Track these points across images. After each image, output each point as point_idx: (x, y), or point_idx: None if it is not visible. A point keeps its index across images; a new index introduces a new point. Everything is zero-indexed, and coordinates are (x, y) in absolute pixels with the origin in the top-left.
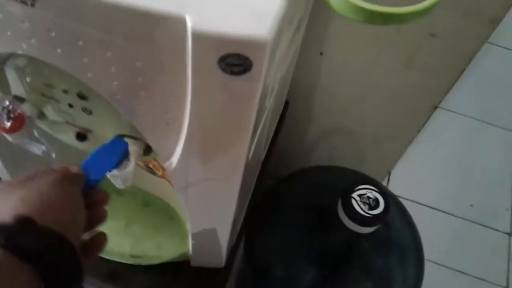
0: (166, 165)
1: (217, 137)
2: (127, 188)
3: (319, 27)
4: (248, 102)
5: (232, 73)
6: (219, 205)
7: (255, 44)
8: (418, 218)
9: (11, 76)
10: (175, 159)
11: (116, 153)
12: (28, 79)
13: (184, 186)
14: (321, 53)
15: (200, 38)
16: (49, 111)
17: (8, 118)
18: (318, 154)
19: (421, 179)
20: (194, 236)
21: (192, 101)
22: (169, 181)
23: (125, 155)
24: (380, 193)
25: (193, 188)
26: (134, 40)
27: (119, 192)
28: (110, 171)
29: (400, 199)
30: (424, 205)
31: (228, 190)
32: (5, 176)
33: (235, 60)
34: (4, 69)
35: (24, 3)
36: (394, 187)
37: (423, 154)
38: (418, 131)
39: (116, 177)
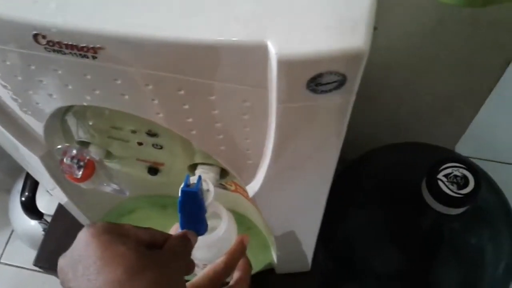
0: (248, 188)
1: (304, 154)
2: None
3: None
4: (340, 116)
5: (323, 92)
6: (305, 218)
7: (351, 59)
8: (499, 178)
9: (73, 122)
10: (257, 182)
11: (197, 202)
12: (91, 122)
13: (269, 206)
14: (375, 28)
15: (286, 63)
16: (117, 149)
17: (79, 168)
18: (385, 133)
19: (497, 136)
20: (279, 247)
21: (277, 125)
22: (242, 195)
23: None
24: (468, 169)
25: (278, 206)
26: (207, 76)
27: None
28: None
29: (476, 160)
30: (504, 162)
31: (315, 200)
32: (82, 218)
33: (327, 79)
34: (65, 118)
35: (85, 57)
36: (467, 148)
37: (496, 110)
38: (490, 90)
39: None
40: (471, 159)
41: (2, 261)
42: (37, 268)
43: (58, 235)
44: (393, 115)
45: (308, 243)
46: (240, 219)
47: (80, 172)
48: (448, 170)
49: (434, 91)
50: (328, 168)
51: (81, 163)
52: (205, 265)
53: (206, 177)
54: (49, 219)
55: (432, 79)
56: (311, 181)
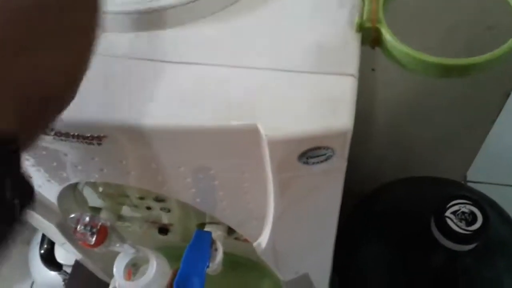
0: (255, 245)
1: (306, 212)
2: None
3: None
4: (335, 179)
5: (314, 163)
6: (314, 263)
7: (337, 135)
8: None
9: (85, 190)
10: (263, 240)
11: (205, 250)
12: (101, 189)
13: (275, 260)
14: (373, 69)
15: (275, 143)
16: (127, 213)
17: (92, 234)
18: (390, 167)
19: (503, 161)
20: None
21: (275, 191)
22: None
23: (211, 246)
24: (474, 205)
25: (286, 258)
26: (207, 156)
27: None
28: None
29: (490, 185)
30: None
31: (322, 247)
32: (99, 273)
33: (316, 153)
34: (77, 187)
35: (91, 144)
36: (480, 173)
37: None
38: (493, 122)
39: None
40: (484, 184)
41: None
42: None
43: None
44: (398, 149)
45: (321, 283)
46: (255, 267)
47: (93, 239)
48: (456, 207)
49: (436, 125)
50: (330, 218)
51: (94, 230)
52: None
53: (214, 236)
54: (68, 270)
55: (434, 113)
56: (315, 232)
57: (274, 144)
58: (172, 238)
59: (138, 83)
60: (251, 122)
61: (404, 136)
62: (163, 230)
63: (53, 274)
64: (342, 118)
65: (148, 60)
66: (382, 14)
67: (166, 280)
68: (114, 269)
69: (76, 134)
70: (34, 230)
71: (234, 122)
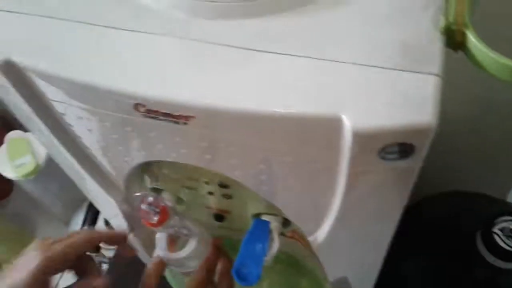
0: (310, 239)
1: (370, 211)
2: None
3: None
4: (407, 179)
5: (393, 159)
6: (365, 265)
7: (421, 132)
8: None
9: (150, 171)
10: (321, 234)
11: (263, 238)
12: (166, 171)
13: (329, 255)
14: None
15: (360, 135)
16: (187, 196)
17: (155, 214)
18: (440, 179)
19: None
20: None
21: (347, 185)
22: (299, 241)
23: (269, 237)
24: None
25: (339, 255)
26: (286, 142)
27: None
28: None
29: None
30: None
31: (377, 249)
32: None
33: (396, 148)
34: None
35: (177, 123)
36: None
37: None
38: None
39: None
40: None
41: None
42: None
43: (119, 269)
44: (451, 161)
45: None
46: (296, 265)
47: (156, 218)
48: (504, 224)
49: (484, 140)
50: (391, 222)
51: (157, 210)
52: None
53: (271, 226)
54: (106, 253)
55: (490, 126)
56: (374, 233)
57: (359, 137)
58: (225, 225)
59: (228, 69)
60: (336, 113)
61: (451, 148)
62: (219, 216)
63: None
64: (427, 116)
65: (238, 47)
66: (468, 17)
67: (205, 254)
68: (157, 239)
69: (166, 112)
70: (74, 210)
71: (320, 112)
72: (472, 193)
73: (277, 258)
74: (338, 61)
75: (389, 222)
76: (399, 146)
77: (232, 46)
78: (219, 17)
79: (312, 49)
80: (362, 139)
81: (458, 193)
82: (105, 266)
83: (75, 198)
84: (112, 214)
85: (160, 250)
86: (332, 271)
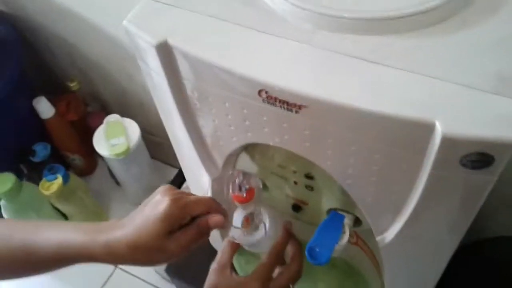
0: (378, 239)
1: (439, 218)
2: None
3: None
4: (480, 191)
5: (472, 168)
6: (422, 278)
7: (503, 145)
8: None
9: (243, 155)
10: (390, 235)
11: (337, 228)
12: (258, 157)
13: (392, 259)
14: None
15: (449, 140)
16: (272, 183)
17: (245, 190)
18: (493, 226)
19: None
20: None
21: (425, 188)
22: (362, 248)
23: (342, 228)
24: None
25: (400, 260)
26: (380, 139)
27: None
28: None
29: None
30: None
31: (437, 262)
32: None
33: (478, 158)
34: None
35: (290, 111)
36: None
37: None
38: None
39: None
40: None
41: (120, 266)
42: (148, 281)
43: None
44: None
45: None
46: (353, 274)
47: (245, 194)
48: None
49: None
50: (456, 234)
51: (247, 187)
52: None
53: (344, 221)
54: None
55: None
56: (437, 243)
57: (447, 141)
58: (301, 217)
59: (343, 72)
60: (431, 118)
61: None
62: (297, 207)
63: None
64: (510, 132)
65: (355, 57)
66: None
67: (276, 236)
68: (235, 215)
69: (284, 100)
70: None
71: (417, 116)
72: None
73: (335, 263)
74: (440, 79)
75: (454, 233)
76: (480, 155)
77: (350, 56)
78: (340, 31)
79: (422, 66)
80: (449, 143)
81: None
82: None
83: (151, 185)
84: (200, 193)
85: (236, 226)
86: (389, 282)
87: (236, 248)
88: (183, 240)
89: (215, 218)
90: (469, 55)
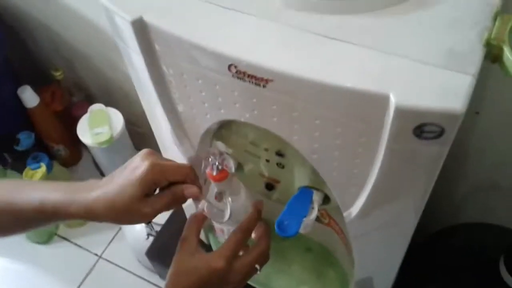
0: (345, 214)
1: (399, 189)
2: None
3: (476, 87)
4: (435, 161)
5: (425, 138)
6: (389, 253)
7: (451, 116)
8: None
9: (218, 136)
10: (355, 209)
11: (306, 203)
12: (233, 137)
13: (358, 234)
14: (476, 112)
15: (402, 111)
16: (246, 162)
17: (217, 169)
18: (468, 211)
19: None
20: (358, 283)
21: (383, 160)
22: (334, 229)
23: (310, 203)
24: None
25: (367, 236)
26: (340, 113)
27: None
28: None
29: None
30: None
31: (401, 236)
32: None
33: (429, 128)
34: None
35: (258, 85)
36: None
37: None
38: None
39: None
40: None
41: (103, 256)
42: (131, 270)
43: (166, 239)
44: (482, 195)
45: (387, 280)
46: (327, 256)
47: (215, 173)
48: None
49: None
50: (416, 205)
51: (220, 167)
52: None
53: (313, 196)
54: (156, 227)
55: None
56: (399, 215)
57: (400, 112)
58: (273, 195)
59: (305, 48)
60: (385, 91)
61: (491, 183)
62: (270, 186)
63: (139, 227)
64: (458, 104)
65: (317, 34)
66: (507, 36)
67: (246, 214)
68: (210, 188)
69: (251, 74)
70: None
71: (372, 88)
72: (488, 225)
73: (310, 247)
74: (396, 54)
75: (415, 205)
76: (430, 126)
77: (313, 33)
78: (306, 9)
79: (379, 43)
80: (402, 114)
81: (482, 224)
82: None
83: None
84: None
85: (209, 198)
86: (359, 259)
87: (201, 222)
88: (157, 205)
89: (191, 189)
90: (424, 33)
